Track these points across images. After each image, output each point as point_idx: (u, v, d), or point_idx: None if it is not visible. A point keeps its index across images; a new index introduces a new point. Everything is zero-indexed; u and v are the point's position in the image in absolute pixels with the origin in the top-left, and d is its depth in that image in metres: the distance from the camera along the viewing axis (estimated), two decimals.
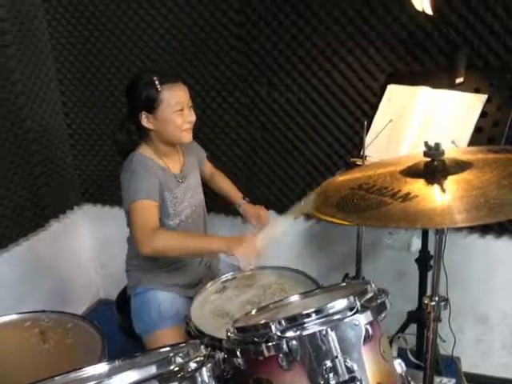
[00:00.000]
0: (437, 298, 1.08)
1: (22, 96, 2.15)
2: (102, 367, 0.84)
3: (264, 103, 2.08)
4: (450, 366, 2.00)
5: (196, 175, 1.75)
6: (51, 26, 2.25)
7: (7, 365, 1.01)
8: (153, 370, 0.68)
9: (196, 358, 0.74)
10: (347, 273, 1.74)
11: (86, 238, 2.69)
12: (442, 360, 1.92)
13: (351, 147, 1.99)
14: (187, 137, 1.60)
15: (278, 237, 1.53)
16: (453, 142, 1.54)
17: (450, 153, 1.03)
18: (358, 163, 1.74)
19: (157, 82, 1.52)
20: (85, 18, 2.21)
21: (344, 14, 1.85)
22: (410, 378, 1.16)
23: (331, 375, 0.80)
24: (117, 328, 1.76)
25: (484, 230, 1.96)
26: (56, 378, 0.83)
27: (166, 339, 1.51)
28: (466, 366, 2.03)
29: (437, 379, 1.79)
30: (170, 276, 1.68)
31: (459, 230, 1.99)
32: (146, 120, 1.55)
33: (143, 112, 1.54)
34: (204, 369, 0.71)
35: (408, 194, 0.89)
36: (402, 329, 1.90)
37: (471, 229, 1.99)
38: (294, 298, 1.07)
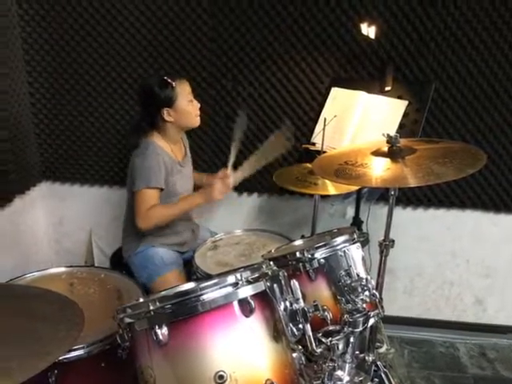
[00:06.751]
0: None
1: None
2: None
3: (229, 96, 2.46)
4: None
5: (191, 166, 2.09)
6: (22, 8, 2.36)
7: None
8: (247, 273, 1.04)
9: (270, 269, 1.11)
10: (303, 234, 2.22)
11: (42, 215, 2.80)
12: None
13: (300, 135, 2.47)
14: (198, 121, 1.94)
15: (250, 172, 1.91)
16: (383, 135, 2.09)
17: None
18: (311, 149, 2.24)
19: (170, 81, 1.81)
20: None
21: (301, 28, 2.31)
22: None
23: (346, 278, 1.24)
24: None
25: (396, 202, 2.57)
26: None
27: (171, 282, 1.82)
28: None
29: None
30: (165, 238, 1.99)
31: (377, 203, 2.58)
32: (167, 114, 1.84)
33: (165, 109, 1.82)
34: (281, 272, 1.09)
35: (382, 167, 1.37)
36: None
37: (386, 201, 2.59)
38: (298, 241, 1.50)
